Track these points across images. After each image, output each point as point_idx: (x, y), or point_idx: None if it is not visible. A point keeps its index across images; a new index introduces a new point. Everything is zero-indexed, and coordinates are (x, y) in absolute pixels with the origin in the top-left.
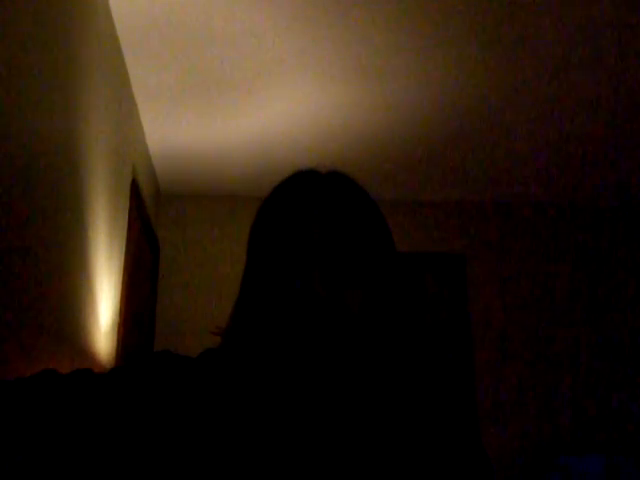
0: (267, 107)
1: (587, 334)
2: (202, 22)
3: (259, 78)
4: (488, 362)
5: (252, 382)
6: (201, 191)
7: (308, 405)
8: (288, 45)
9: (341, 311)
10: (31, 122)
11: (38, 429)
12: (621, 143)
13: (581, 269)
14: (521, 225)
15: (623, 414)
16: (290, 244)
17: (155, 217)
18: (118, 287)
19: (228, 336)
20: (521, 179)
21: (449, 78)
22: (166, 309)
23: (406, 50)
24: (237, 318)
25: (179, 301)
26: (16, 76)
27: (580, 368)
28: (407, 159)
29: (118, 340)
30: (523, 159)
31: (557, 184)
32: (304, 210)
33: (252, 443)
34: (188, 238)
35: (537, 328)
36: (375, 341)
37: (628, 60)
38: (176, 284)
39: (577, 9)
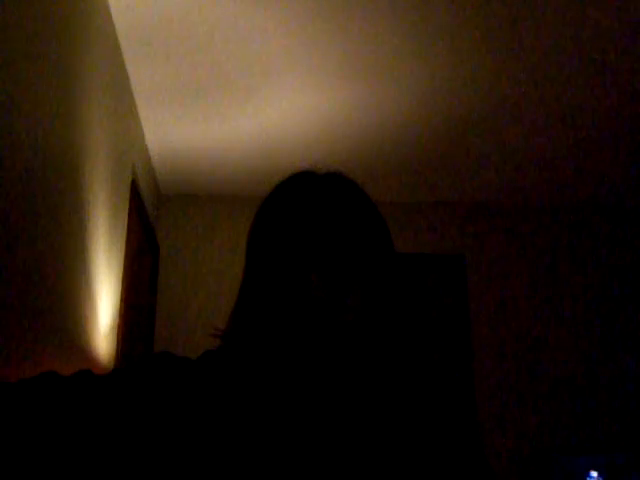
0: (267, 107)
1: (587, 334)
2: (202, 22)
3: (259, 78)
4: (488, 362)
5: (252, 385)
6: (201, 191)
7: (307, 409)
8: (288, 46)
9: (340, 314)
10: (30, 123)
11: (39, 431)
12: (621, 145)
13: (580, 269)
14: (520, 226)
15: (623, 414)
16: (288, 247)
17: (155, 217)
18: (118, 287)
19: (228, 338)
20: (520, 180)
21: (449, 79)
22: (166, 309)
23: (406, 51)
24: (236, 320)
25: (179, 301)
26: (15, 76)
27: (580, 368)
28: (407, 160)
29: (118, 340)
30: (522, 160)
31: (556, 185)
32: (301, 212)
33: (252, 445)
34: (188, 238)
35: (536, 328)
36: (374, 344)
37: (629, 61)
38: (176, 284)
39: (577, 11)
